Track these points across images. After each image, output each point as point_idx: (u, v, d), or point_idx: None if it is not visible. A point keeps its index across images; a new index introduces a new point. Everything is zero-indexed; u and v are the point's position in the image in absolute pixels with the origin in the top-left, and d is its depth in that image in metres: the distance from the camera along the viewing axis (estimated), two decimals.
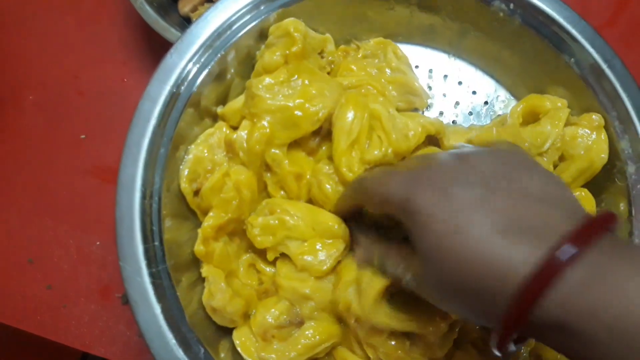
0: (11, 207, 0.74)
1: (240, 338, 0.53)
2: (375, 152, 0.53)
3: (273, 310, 0.52)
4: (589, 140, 0.57)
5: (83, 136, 0.77)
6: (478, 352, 0.53)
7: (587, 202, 0.57)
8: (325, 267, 0.52)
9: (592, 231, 0.32)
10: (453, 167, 0.38)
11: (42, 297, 0.71)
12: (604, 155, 0.56)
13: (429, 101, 0.64)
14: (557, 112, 0.57)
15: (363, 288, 0.48)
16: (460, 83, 0.65)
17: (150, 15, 0.70)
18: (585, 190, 0.58)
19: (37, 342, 0.70)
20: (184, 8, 0.75)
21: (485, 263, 0.32)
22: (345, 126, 0.52)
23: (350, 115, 0.53)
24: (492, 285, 0.32)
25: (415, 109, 0.62)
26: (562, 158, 0.58)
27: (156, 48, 0.78)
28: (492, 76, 0.65)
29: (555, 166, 0.58)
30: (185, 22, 0.75)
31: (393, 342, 0.50)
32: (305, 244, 0.53)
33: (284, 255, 0.54)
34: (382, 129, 0.54)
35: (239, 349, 0.52)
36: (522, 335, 0.35)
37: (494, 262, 0.32)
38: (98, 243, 0.73)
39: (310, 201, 0.56)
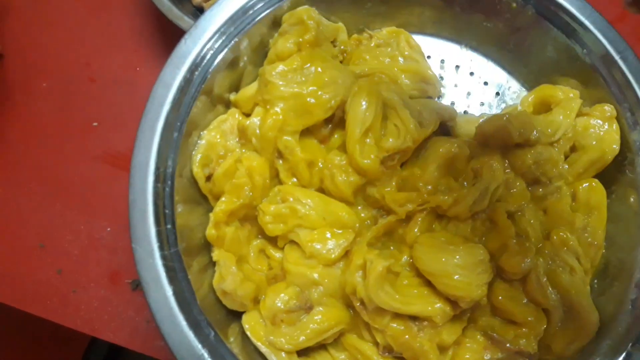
0: (23, 193, 0.74)
1: (250, 322, 0.53)
2: (391, 141, 0.53)
3: (282, 295, 0.52)
4: (601, 130, 0.57)
5: (95, 123, 0.77)
6: (487, 341, 0.53)
7: (597, 193, 0.57)
8: (333, 256, 0.52)
9: None
10: None
11: (52, 281, 0.71)
12: (615, 146, 0.56)
13: (442, 90, 0.64)
14: (569, 102, 0.57)
15: (367, 268, 0.49)
16: (472, 74, 0.65)
17: (164, 3, 0.70)
18: (596, 180, 0.58)
19: (46, 326, 0.71)
20: None
21: None
22: (358, 114, 0.53)
23: (363, 103, 0.53)
24: None
25: (429, 97, 0.62)
26: (573, 148, 0.58)
27: (169, 37, 0.78)
28: (503, 67, 0.66)
29: (566, 156, 0.58)
30: (198, 12, 0.75)
31: (400, 326, 0.50)
32: (315, 232, 0.53)
33: (292, 242, 0.54)
34: (398, 117, 0.54)
35: (248, 332, 0.52)
36: None
37: None
38: (109, 229, 0.73)
39: (321, 190, 0.56)
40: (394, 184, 0.54)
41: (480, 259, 0.50)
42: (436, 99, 0.63)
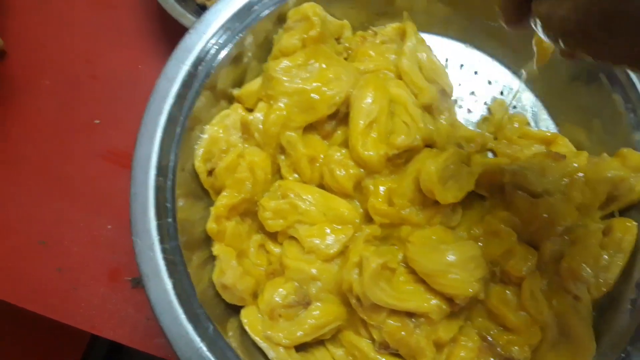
0: (24, 190, 0.74)
1: (248, 317, 0.53)
2: (402, 138, 0.53)
3: (281, 289, 0.52)
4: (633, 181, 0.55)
5: (97, 121, 0.77)
6: (481, 342, 0.53)
7: (631, 234, 0.54)
8: (332, 251, 0.52)
9: None
10: None
11: (52, 279, 0.71)
12: None
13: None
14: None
15: (362, 265, 0.49)
16: (476, 72, 0.65)
17: (167, 1, 0.70)
18: (631, 221, 0.55)
19: (46, 323, 0.70)
20: None
21: None
22: (364, 107, 0.53)
23: (369, 95, 0.53)
24: None
25: (443, 91, 0.61)
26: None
27: (171, 35, 0.78)
28: (508, 66, 0.66)
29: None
30: (200, 10, 0.75)
31: (397, 323, 0.50)
32: (314, 227, 0.53)
33: (292, 237, 0.54)
34: (408, 114, 0.54)
35: (246, 327, 0.52)
36: None
37: None
38: (109, 227, 0.73)
39: (321, 186, 0.56)
40: (382, 193, 0.54)
41: (473, 255, 0.50)
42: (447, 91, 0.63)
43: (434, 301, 0.49)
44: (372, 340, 0.52)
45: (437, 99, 0.59)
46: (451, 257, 0.49)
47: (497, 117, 0.62)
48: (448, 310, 0.50)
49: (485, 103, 0.64)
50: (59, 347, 0.98)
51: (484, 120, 0.63)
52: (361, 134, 0.52)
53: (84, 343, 1.01)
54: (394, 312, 0.50)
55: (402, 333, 0.50)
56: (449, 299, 0.50)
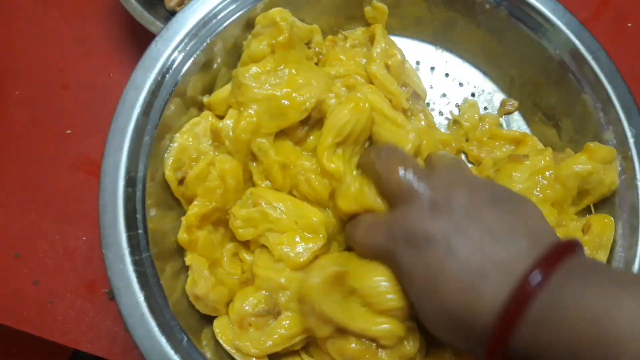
0: None
1: (221, 327, 0.52)
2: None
3: (251, 298, 0.51)
4: (603, 175, 0.55)
5: (69, 131, 0.76)
6: (454, 353, 0.52)
7: (609, 230, 0.55)
8: (302, 259, 0.51)
9: (556, 257, 0.35)
10: (426, 216, 0.41)
11: (28, 292, 0.70)
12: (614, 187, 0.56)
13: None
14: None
15: (321, 271, 0.48)
16: (447, 75, 0.65)
17: (136, 8, 0.69)
18: (609, 217, 0.56)
19: (27, 339, 0.70)
20: (170, 2, 0.75)
21: (461, 306, 0.37)
22: (337, 123, 0.52)
23: (346, 115, 0.52)
24: (470, 322, 0.36)
25: (415, 93, 0.61)
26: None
27: (142, 42, 0.77)
28: (479, 68, 0.66)
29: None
30: (171, 16, 0.74)
31: (360, 346, 0.48)
32: (284, 235, 0.52)
33: (263, 246, 0.54)
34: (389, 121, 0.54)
35: (218, 337, 0.51)
36: None
37: (468, 303, 0.36)
38: (84, 238, 0.72)
39: (292, 194, 0.55)
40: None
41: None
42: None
43: (384, 326, 0.47)
44: None
45: (410, 103, 0.59)
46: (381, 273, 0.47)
47: (468, 118, 0.62)
48: (401, 333, 0.47)
49: (456, 105, 0.64)
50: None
51: (455, 122, 0.63)
52: (327, 149, 0.52)
53: (67, 356, 1.00)
54: (356, 335, 0.48)
55: (367, 357, 0.48)
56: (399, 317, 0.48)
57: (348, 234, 0.52)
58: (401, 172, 0.44)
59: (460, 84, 0.65)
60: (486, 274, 0.36)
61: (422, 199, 0.42)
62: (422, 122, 0.59)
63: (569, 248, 0.36)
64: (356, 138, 0.53)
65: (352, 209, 0.50)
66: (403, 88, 0.60)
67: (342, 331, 0.49)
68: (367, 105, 0.53)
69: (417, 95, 0.60)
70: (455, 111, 0.64)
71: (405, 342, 0.49)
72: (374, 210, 0.48)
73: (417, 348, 0.49)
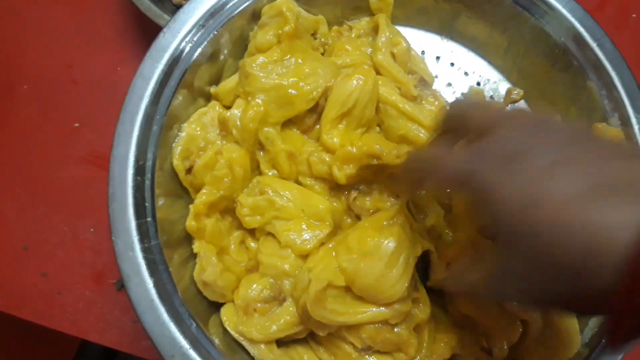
0: (6, 195, 0.74)
1: (228, 314, 0.53)
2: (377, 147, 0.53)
3: (255, 285, 0.52)
4: None
5: (77, 124, 0.77)
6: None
7: None
8: (308, 246, 0.52)
9: None
10: (516, 136, 0.33)
11: (37, 284, 0.70)
12: None
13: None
14: None
15: (309, 285, 0.48)
16: (452, 64, 0.66)
17: (144, 2, 0.70)
18: None
19: (35, 329, 0.70)
20: None
21: (574, 233, 0.27)
22: (342, 94, 0.53)
23: (351, 84, 0.53)
24: (591, 259, 0.27)
25: (422, 80, 0.62)
26: None
27: (150, 36, 0.76)
28: (484, 57, 0.66)
29: None
30: (178, 10, 0.75)
31: (375, 325, 0.50)
32: (291, 223, 0.53)
33: (269, 234, 0.54)
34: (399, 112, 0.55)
35: (226, 325, 0.52)
36: None
37: (586, 231, 0.27)
38: (92, 230, 0.72)
39: (300, 182, 0.56)
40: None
41: (389, 253, 0.48)
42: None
43: (386, 309, 0.48)
44: (350, 344, 0.52)
45: (418, 90, 0.60)
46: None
47: None
48: (406, 308, 0.49)
49: (462, 94, 0.65)
50: (48, 352, 0.97)
51: None
52: (330, 121, 0.52)
53: (73, 350, 1.00)
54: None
55: (384, 334, 0.49)
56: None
57: (411, 159, 0.47)
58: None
59: (466, 73, 0.65)
60: (613, 194, 0.27)
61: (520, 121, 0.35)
62: (434, 106, 0.59)
63: None
64: (362, 111, 0.53)
65: None
66: (410, 75, 0.60)
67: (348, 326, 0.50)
68: (372, 73, 0.54)
69: (425, 82, 0.61)
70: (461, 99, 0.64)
71: (416, 310, 0.50)
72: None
73: (428, 312, 0.51)
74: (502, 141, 0.33)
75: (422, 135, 0.56)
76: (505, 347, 0.52)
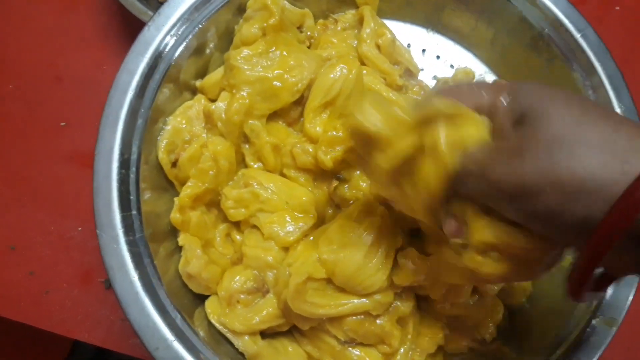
0: None
1: (212, 307, 0.53)
2: None
3: (238, 276, 0.52)
4: None
5: (63, 123, 0.76)
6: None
7: None
8: (292, 238, 0.52)
9: None
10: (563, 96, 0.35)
11: (24, 283, 0.70)
12: None
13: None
14: None
15: (289, 279, 0.48)
16: (438, 57, 0.66)
17: None
18: None
19: (26, 329, 0.70)
20: None
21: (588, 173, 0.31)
22: (326, 83, 0.53)
23: (334, 74, 0.53)
24: (590, 190, 0.30)
25: (408, 70, 0.62)
26: None
27: (134, 33, 0.76)
28: (470, 50, 0.66)
29: None
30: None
31: (359, 317, 0.50)
32: (275, 215, 0.53)
33: (254, 226, 0.54)
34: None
35: (210, 317, 0.52)
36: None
37: (597, 171, 0.30)
38: (79, 229, 0.72)
39: (284, 175, 0.56)
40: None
41: (368, 244, 0.48)
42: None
43: (367, 300, 0.48)
44: (334, 337, 0.52)
45: (404, 80, 0.60)
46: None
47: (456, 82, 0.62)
48: (388, 300, 0.49)
49: (451, 66, 0.65)
50: (41, 352, 0.97)
51: (444, 82, 0.64)
52: (313, 110, 0.52)
53: (66, 348, 1.00)
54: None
55: (366, 325, 0.49)
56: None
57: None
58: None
59: (452, 66, 0.65)
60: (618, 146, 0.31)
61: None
62: (420, 96, 0.59)
63: None
64: (345, 100, 0.53)
65: None
66: (396, 66, 0.60)
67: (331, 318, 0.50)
68: (357, 63, 0.54)
69: (410, 72, 0.61)
70: None
71: (399, 303, 0.50)
72: None
73: (411, 306, 0.50)
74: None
75: None
76: (492, 328, 0.52)
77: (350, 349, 0.51)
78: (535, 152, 0.32)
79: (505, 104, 0.36)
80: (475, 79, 0.65)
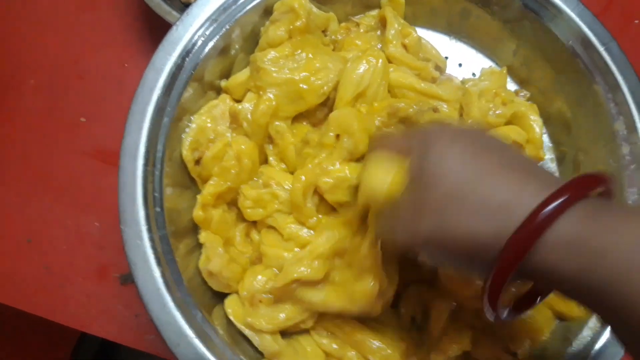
0: (11, 188, 0.74)
1: (232, 306, 0.53)
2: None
3: (260, 276, 0.52)
4: None
5: (83, 119, 0.77)
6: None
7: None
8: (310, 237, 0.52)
9: (581, 185, 0.33)
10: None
11: (39, 277, 0.70)
12: None
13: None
14: None
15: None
16: (460, 65, 0.66)
17: None
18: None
19: (34, 321, 0.70)
20: None
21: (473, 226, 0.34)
22: (354, 76, 0.53)
23: (361, 67, 0.53)
24: (488, 238, 0.34)
25: (437, 66, 0.62)
26: None
27: (157, 33, 0.78)
28: (492, 58, 0.66)
29: None
30: (186, 8, 0.75)
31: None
32: (291, 216, 0.53)
33: (270, 226, 0.55)
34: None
35: (230, 316, 0.52)
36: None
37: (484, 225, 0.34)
38: (96, 224, 0.72)
39: None
40: None
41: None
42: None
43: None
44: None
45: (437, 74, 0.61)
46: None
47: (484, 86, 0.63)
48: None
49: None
50: (48, 343, 0.97)
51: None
52: (345, 104, 0.53)
53: (73, 342, 1.00)
54: None
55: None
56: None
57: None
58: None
59: (474, 74, 0.66)
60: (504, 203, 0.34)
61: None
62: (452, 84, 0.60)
63: (595, 179, 0.34)
64: (376, 89, 0.54)
65: None
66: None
67: None
68: (382, 54, 0.54)
69: (439, 67, 0.62)
70: None
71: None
72: None
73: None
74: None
75: (445, 108, 0.56)
76: (527, 346, 0.52)
77: (370, 340, 0.51)
78: (428, 213, 0.36)
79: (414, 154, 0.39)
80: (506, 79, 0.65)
